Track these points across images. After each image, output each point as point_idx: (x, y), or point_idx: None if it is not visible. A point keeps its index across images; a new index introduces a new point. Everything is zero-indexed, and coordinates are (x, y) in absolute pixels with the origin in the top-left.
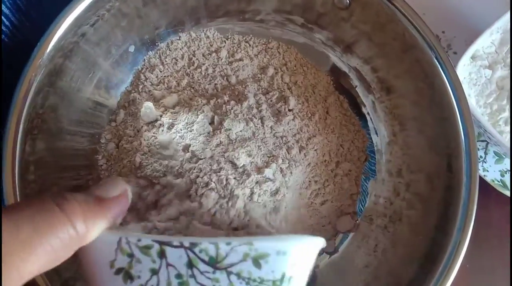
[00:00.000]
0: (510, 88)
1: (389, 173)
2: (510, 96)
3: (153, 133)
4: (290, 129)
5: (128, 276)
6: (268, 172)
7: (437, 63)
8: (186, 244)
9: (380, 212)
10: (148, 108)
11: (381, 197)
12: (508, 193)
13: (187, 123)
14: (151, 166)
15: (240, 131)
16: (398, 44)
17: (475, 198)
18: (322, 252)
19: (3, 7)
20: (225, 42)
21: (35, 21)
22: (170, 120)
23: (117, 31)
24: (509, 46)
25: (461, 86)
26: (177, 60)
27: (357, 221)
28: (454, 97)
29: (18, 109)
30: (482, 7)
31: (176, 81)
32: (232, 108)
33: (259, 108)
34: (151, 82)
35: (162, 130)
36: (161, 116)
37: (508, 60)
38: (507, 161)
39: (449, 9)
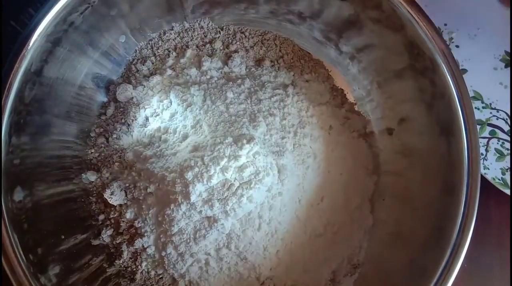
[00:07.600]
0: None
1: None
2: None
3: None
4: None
5: None
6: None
7: (438, 58)
8: None
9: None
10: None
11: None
12: (508, 192)
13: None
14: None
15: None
16: (399, 37)
17: (476, 200)
18: None
19: None
20: (219, 33)
21: None
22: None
23: (107, 20)
24: None
25: (461, 75)
26: (169, 51)
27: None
28: (456, 92)
29: (3, 101)
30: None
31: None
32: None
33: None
34: (143, 74)
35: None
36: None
37: None
38: (509, 158)
39: (452, 1)
